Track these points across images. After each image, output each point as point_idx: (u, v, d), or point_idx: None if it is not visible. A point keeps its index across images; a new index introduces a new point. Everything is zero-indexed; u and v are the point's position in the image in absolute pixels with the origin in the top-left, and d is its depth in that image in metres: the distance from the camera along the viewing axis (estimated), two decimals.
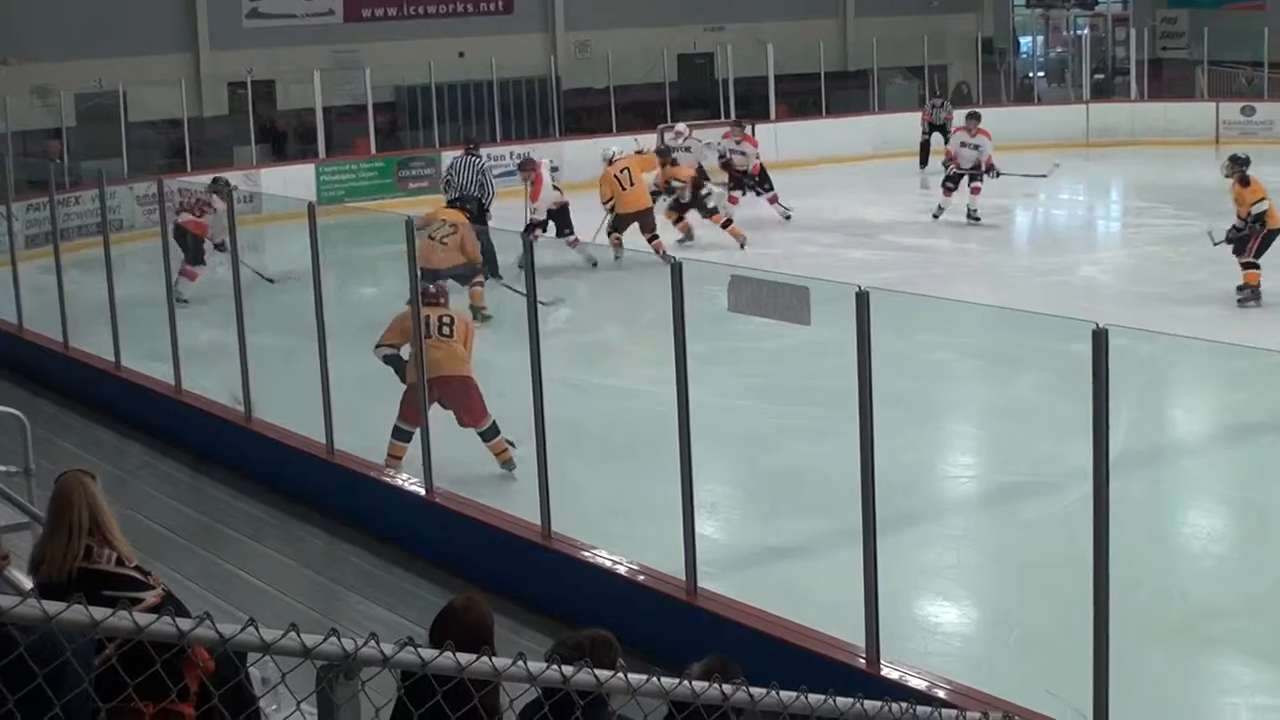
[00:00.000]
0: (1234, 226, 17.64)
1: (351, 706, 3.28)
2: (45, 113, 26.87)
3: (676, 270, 8.16)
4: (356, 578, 10.02)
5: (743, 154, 24.77)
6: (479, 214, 18.60)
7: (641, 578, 8.82)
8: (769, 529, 10.88)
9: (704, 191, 22.21)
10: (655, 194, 21.30)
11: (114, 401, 14.14)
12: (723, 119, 30.26)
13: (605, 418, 13.36)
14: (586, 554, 9.17)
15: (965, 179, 23.66)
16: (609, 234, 20.61)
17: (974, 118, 24.63)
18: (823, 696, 4.13)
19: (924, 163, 29.70)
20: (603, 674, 3.64)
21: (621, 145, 23.03)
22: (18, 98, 26.44)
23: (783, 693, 4.02)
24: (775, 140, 29.42)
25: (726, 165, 24.85)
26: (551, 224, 19.89)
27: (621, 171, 20.73)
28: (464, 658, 3.33)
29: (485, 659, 3.36)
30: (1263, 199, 17.50)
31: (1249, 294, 17.23)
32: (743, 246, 21.36)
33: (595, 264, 20.15)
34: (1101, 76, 37.01)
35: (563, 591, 9.16)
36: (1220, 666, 8.86)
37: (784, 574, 9.98)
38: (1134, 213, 26.97)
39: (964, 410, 14.44)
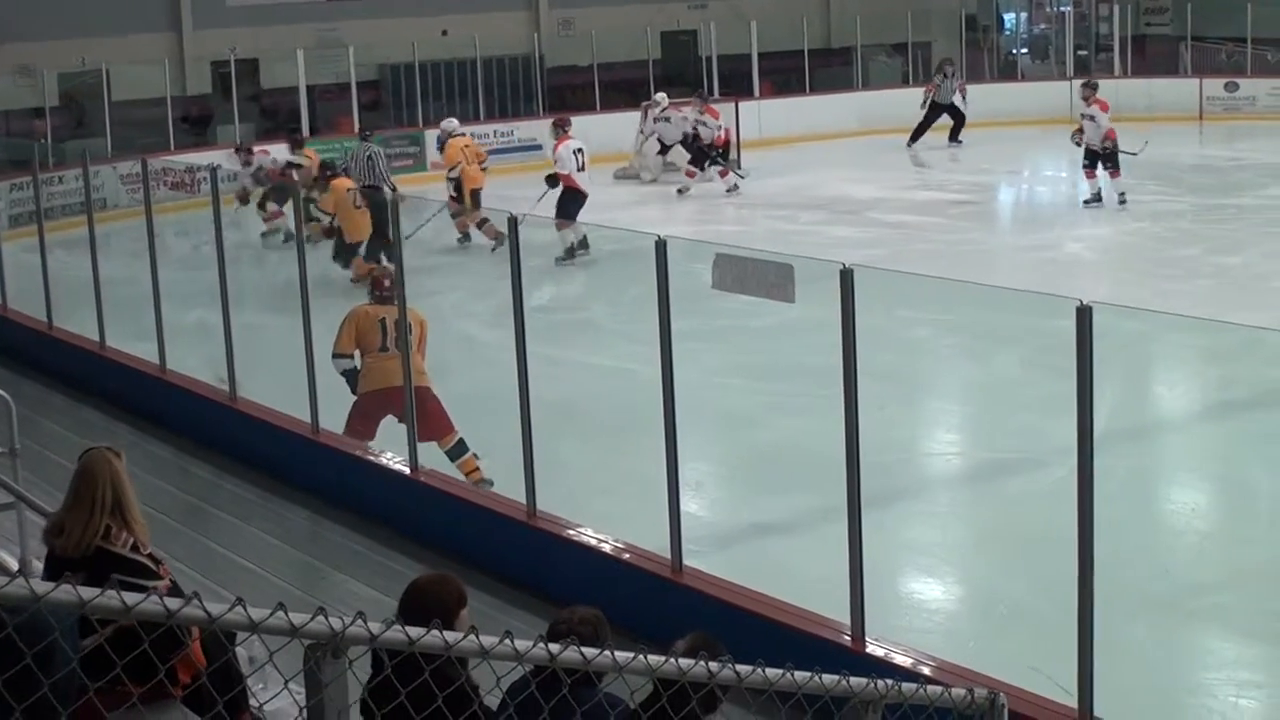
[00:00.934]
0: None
1: (339, 685, 3.29)
2: (28, 92, 26.77)
3: (660, 248, 8.15)
4: (343, 557, 10.02)
5: (705, 125, 25.21)
6: (376, 199, 18.73)
7: (626, 556, 8.83)
8: (754, 506, 10.90)
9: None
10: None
11: (99, 382, 14.12)
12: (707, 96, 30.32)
13: (590, 396, 13.36)
14: (571, 532, 9.18)
15: (1099, 162, 22.30)
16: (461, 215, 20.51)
17: (1090, 87, 23.32)
18: (808, 674, 4.15)
19: (915, 138, 29.69)
20: (589, 652, 3.66)
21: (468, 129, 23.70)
22: (1, 77, 26.36)
23: (768, 670, 4.04)
24: (759, 117, 29.47)
25: (695, 138, 25.20)
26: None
27: (466, 147, 21.10)
28: (451, 636, 3.34)
29: (472, 637, 3.37)
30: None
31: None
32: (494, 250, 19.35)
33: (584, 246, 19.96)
34: (1085, 53, 36.98)
35: (548, 570, 9.17)
36: (1203, 642, 8.91)
37: (769, 551, 10.00)
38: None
39: (948, 387, 14.48)
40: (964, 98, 30.20)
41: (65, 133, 26.50)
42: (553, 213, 19.28)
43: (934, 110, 29.88)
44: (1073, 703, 6.56)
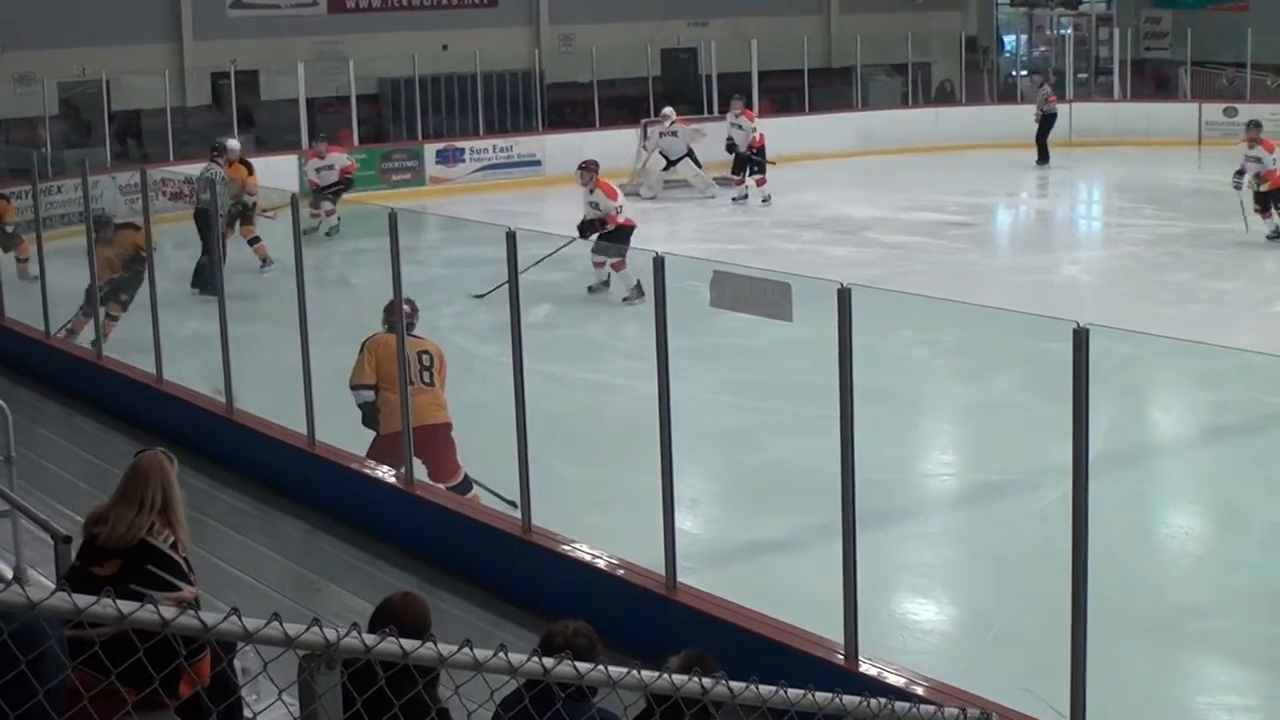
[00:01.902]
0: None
1: (333, 696, 3.29)
2: (28, 101, 26.78)
3: (659, 264, 8.16)
4: (337, 569, 10.01)
5: (739, 128, 25.31)
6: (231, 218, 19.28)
7: (621, 572, 8.82)
8: (749, 524, 10.90)
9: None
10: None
11: (95, 391, 14.10)
12: (705, 114, 30.38)
13: (586, 412, 13.37)
14: (566, 548, 9.17)
15: (1271, 202, 21.62)
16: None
17: (1255, 126, 22.65)
18: (801, 691, 4.15)
19: (1044, 157, 29.60)
20: (582, 666, 3.66)
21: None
22: (1, 86, 26.37)
23: (761, 687, 4.04)
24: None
25: (731, 146, 25.72)
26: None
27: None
28: (445, 648, 3.35)
29: (466, 650, 3.38)
30: None
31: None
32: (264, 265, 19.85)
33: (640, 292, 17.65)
34: (1085, 76, 37.07)
35: (542, 585, 9.16)
36: (1196, 665, 8.91)
37: (763, 569, 10.00)
38: (1115, 212, 27.06)
39: (944, 407, 14.49)
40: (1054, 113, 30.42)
41: (63, 142, 26.50)
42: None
43: (1046, 122, 30.02)
44: None
